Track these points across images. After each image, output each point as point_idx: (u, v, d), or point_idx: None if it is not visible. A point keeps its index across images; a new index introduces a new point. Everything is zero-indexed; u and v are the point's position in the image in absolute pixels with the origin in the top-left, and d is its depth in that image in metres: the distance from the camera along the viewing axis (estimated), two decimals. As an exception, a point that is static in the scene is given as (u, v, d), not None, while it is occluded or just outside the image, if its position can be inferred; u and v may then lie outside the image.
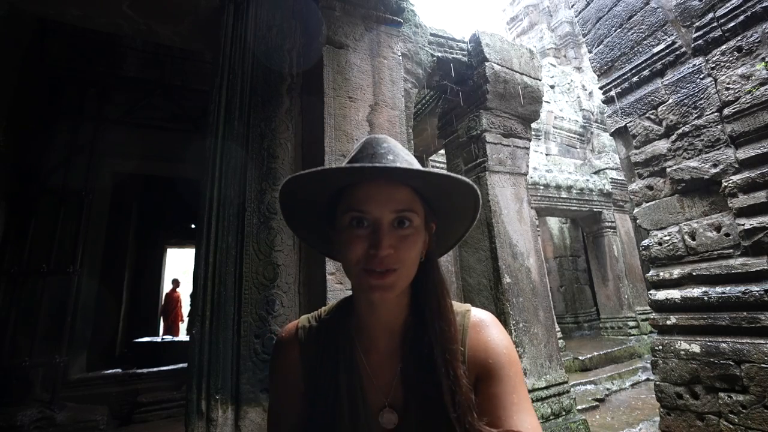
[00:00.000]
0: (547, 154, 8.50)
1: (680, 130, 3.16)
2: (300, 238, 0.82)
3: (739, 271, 2.73)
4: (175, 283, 8.62)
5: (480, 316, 0.70)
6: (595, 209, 7.38)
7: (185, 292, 8.91)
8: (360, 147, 0.68)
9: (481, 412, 0.60)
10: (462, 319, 0.69)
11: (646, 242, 3.46)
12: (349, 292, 0.75)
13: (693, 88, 3.09)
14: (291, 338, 0.73)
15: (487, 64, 3.34)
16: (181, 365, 4.46)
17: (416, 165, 0.65)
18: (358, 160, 0.64)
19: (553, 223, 8.63)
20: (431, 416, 0.61)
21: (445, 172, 0.62)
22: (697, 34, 3.07)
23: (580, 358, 5.66)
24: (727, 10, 2.88)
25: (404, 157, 0.65)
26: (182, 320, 8.54)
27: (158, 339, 6.48)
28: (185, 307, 8.73)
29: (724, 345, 2.71)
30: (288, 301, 1.94)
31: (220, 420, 1.66)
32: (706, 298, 2.87)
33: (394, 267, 0.60)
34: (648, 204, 3.45)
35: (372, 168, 0.60)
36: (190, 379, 1.70)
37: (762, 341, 2.53)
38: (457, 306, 0.72)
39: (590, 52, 4.00)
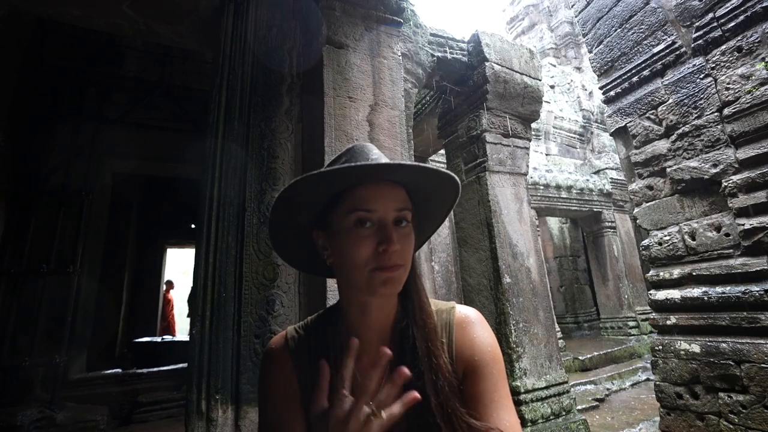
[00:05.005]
0: (547, 154, 8.50)
1: (680, 130, 3.16)
2: (277, 251, 0.79)
3: (739, 271, 2.73)
4: (168, 284, 8.54)
5: (465, 312, 0.72)
6: (595, 209, 7.38)
7: (178, 294, 8.87)
8: (351, 153, 0.68)
9: (464, 406, 0.63)
10: (447, 316, 0.71)
11: (646, 242, 3.46)
12: None
13: (693, 88, 3.09)
14: (282, 349, 0.72)
15: (487, 64, 3.33)
16: (181, 365, 4.46)
17: (413, 162, 0.68)
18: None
19: (553, 223, 8.63)
20: (419, 413, 0.61)
21: (446, 170, 0.65)
22: (697, 34, 3.07)
23: (580, 358, 5.66)
24: (727, 10, 2.88)
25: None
26: (173, 322, 8.42)
27: (158, 339, 6.47)
28: (177, 309, 8.68)
29: (724, 345, 2.71)
30: (288, 301, 1.94)
31: (220, 420, 1.66)
32: (706, 298, 2.87)
33: (401, 263, 0.62)
34: (648, 204, 3.45)
35: (386, 165, 0.63)
36: (190, 379, 1.70)
37: (762, 341, 2.53)
38: (442, 304, 0.74)
39: (590, 52, 4.00)
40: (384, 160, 0.67)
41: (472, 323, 0.70)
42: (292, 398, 0.68)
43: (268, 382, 0.71)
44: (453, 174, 0.67)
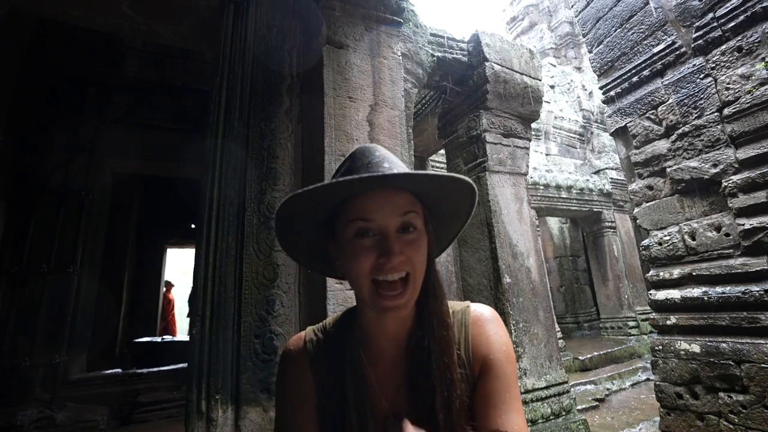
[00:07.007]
0: (547, 154, 8.50)
1: (680, 130, 3.16)
2: (296, 261, 0.80)
3: (739, 271, 2.73)
4: (168, 284, 8.52)
5: (480, 310, 0.71)
6: (595, 209, 7.38)
7: (178, 294, 8.86)
8: (352, 158, 0.66)
9: (473, 407, 0.63)
10: (462, 316, 0.70)
11: (646, 242, 3.46)
12: (349, 292, 0.75)
13: (693, 88, 3.09)
14: (300, 351, 0.72)
15: (487, 64, 3.33)
16: (181, 365, 4.46)
17: (409, 170, 0.65)
18: (355, 171, 0.63)
19: (553, 223, 8.62)
20: (432, 422, 0.61)
21: (447, 173, 0.62)
22: (697, 34, 3.07)
23: (580, 358, 5.66)
24: (727, 10, 2.88)
25: (398, 163, 0.65)
26: (173, 322, 8.40)
27: (158, 339, 6.46)
28: (177, 309, 8.67)
29: (724, 345, 2.71)
30: (288, 301, 1.94)
31: (220, 420, 1.66)
32: (706, 298, 2.87)
33: (406, 270, 0.60)
34: (648, 204, 3.45)
35: (377, 177, 0.59)
36: (190, 379, 1.70)
37: (762, 341, 2.53)
38: (456, 304, 0.73)
39: (590, 52, 4.00)
40: (386, 163, 0.63)
41: (488, 321, 0.70)
42: (306, 400, 0.69)
43: (284, 382, 0.72)
44: (459, 176, 0.63)
